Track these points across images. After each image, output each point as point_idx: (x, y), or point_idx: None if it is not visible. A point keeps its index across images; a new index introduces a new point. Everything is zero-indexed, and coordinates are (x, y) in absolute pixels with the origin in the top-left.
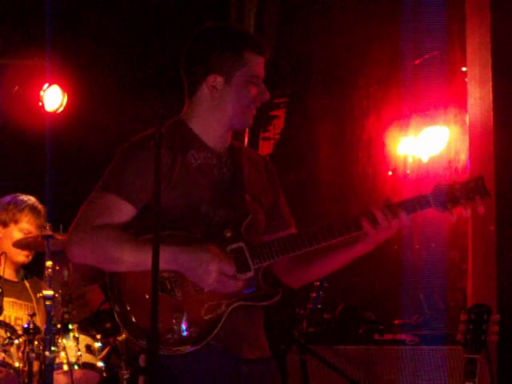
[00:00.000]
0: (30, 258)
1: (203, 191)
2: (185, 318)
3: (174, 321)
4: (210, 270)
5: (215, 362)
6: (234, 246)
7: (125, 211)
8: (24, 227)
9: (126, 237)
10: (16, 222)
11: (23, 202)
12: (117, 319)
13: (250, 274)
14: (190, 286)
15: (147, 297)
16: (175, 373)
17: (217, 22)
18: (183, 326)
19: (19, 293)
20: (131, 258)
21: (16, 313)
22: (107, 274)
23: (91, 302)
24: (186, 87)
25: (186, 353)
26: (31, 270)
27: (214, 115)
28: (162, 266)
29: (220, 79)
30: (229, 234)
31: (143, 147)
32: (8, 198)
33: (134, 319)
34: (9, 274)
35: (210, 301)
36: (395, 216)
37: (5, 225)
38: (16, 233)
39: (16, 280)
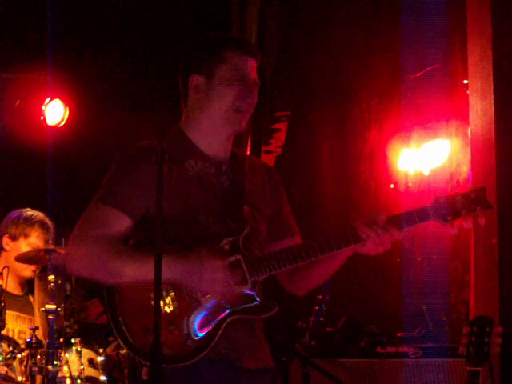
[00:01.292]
0: (37, 272)
1: (200, 201)
2: (180, 331)
3: (169, 334)
4: (204, 277)
5: (215, 373)
6: (232, 258)
7: (121, 223)
8: (33, 242)
9: (123, 249)
10: (26, 236)
11: (33, 217)
12: (114, 332)
13: (247, 287)
14: (187, 299)
15: (144, 310)
16: None
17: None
18: (180, 339)
19: (23, 306)
20: (129, 271)
21: (19, 326)
22: (104, 286)
23: (92, 315)
24: (181, 96)
25: (186, 365)
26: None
27: (204, 118)
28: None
29: (201, 79)
30: (227, 247)
31: (139, 159)
32: (16, 212)
33: (130, 332)
34: (13, 287)
35: (205, 314)
36: (386, 232)
37: (14, 238)
38: (24, 247)
39: (20, 294)
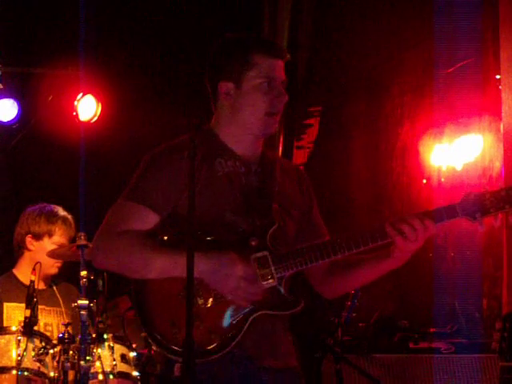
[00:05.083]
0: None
1: (229, 199)
2: (206, 326)
3: (195, 329)
4: (229, 275)
5: (237, 370)
6: (259, 254)
7: (148, 219)
8: (57, 240)
9: (150, 243)
10: (50, 234)
11: (54, 213)
12: (142, 327)
13: (273, 283)
14: (212, 294)
15: (171, 304)
16: (197, 380)
17: (232, 33)
18: (204, 335)
19: (48, 299)
20: (156, 264)
21: (45, 319)
22: (132, 281)
23: (122, 311)
24: (210, 98)
25: (208, 361)
26: (59, 276)
27: (235, 122)
28: (183, 273)
29: (231, 85)
30: (254, 243)
31: (166, 156)
32: (35, 209)
33: (157, 327)
34: (37, 283)
35: (231, 309)
36: (420, 223)
37: (38, 238)
38: (49, 246)
39: (45, 287)
